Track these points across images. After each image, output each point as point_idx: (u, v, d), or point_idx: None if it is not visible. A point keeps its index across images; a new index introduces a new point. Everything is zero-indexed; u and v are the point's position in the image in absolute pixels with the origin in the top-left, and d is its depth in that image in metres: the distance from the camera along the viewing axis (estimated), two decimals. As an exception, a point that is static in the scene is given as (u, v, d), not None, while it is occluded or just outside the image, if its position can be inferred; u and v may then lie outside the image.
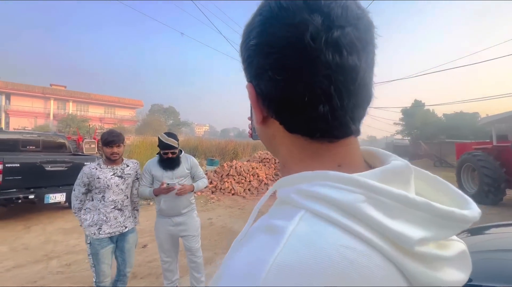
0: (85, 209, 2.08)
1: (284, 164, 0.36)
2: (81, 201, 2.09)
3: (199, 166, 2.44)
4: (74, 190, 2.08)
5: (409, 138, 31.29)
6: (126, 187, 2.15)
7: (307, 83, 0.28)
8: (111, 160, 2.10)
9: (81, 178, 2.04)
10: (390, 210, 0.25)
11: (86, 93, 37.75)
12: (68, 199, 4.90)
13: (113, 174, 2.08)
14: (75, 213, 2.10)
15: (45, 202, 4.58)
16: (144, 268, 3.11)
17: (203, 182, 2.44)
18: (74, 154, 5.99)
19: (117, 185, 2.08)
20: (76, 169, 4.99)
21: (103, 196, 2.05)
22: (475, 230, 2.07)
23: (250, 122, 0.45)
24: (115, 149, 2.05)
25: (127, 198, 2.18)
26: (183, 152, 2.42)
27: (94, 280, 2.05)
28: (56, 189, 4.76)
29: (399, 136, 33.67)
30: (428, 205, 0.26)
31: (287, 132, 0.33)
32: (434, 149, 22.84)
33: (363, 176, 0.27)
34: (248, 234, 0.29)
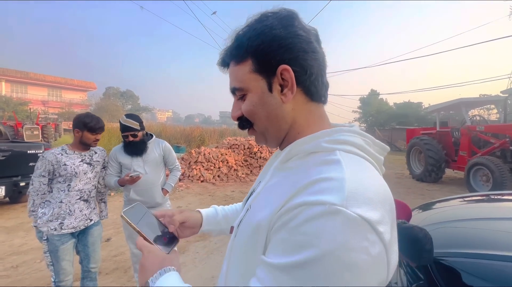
0: (43, 203, 1.79)
1: (298, 131, 0.49)
2: (43, 194, 1.78)
3: (173, 152, 2.25)
4: (32, 184, 1.75)
5: (365, 125, 33.94)
6: (95, 176, 1.93)
7: (321, 61, 0.49)
8: (83, 146, 1.89)
9: (43, 167, 1.74)
10: (370, 145, 0.48)
11: (24, 71, 32.54)
12: (8, 192, 4.23)
13: (81, 161, 1.85)
14: (33, 211, 1.76)
15: (-22, 197, 3.89)
16: (109, 263, 2.87)
17: (176, 175, 2.28)
18: (12, 142, 5.14)
19: (85, 173, 1.85)
20: (16, 158, 4.30)
21: (68, 185, 1.79)
22: (424, 206, 2.31)
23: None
24: (99, 136, 1.90)
25: (95, 188, 1.96)
26: (154, 136, 2.20)
27: (53, 279, 1.80)
28: (-9, 182, 4.07)
29: (356, 123, 36.25)
30: (379, 142, 0.50)
31: (306, 102, 0.48)
32: (386, 135, 25.18)
33: (356, 128, 0.48)
34: (303, 168, 0.44)
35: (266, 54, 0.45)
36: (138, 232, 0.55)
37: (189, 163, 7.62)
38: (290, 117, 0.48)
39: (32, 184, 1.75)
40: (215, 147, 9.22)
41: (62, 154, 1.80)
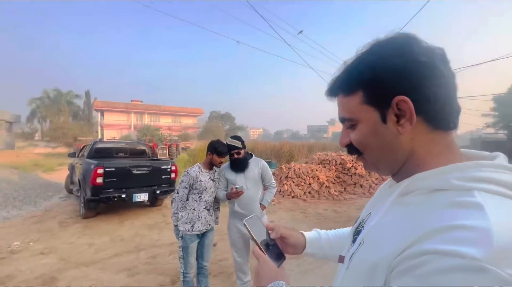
0: (181, 207, 2.31)
1: (419, 164, 0.44)
2: (184, 201, 2.31)
3: (269, 170, 2.45)
4: (177, 193, 2.28)
5: (505, 131, 25.39)
6: (215, 190, 2.39)
7: (450, 84, 0.43)
8: (210, 166, 2.36)
9: (186, 180, 2.25)
10: None
11: (158, 105, 43.32)
12: (150, 198, 5.59)
13: (209, 178, 2.33)
14: (176, 213, 2.28)
15: (133, 200, 5.35)
16: (215, 266, 3.28)
17: (272, 192, 2.48)
18: (152, 159, 6.86)
19: (210, 188, 2.32)
20: (154, 172, 5.67)
21: (200, 196, 2.28)
22: None
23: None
24: (223, 159, 2.31)
25: (213, 199, 2.42)
26: (253, 156, 2.47)
27: (182, 271, 2.26)
28: (140, 189, 5.50)
29: (490, 129, 27.67)
30: None
31: (429, 131, 0.43)
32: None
33: (501, 161, 0.42)
34: (427, 207, 0.39)
35: (380, 87, 0.43)
36: (255, 241, 0.59)
37: (280, 179, 7.86)
38: (407, 148, 0.44)
39: (178, 193, 2.27)
40: (305, 163, 9.15)
41: (199, 172, 2.29)
